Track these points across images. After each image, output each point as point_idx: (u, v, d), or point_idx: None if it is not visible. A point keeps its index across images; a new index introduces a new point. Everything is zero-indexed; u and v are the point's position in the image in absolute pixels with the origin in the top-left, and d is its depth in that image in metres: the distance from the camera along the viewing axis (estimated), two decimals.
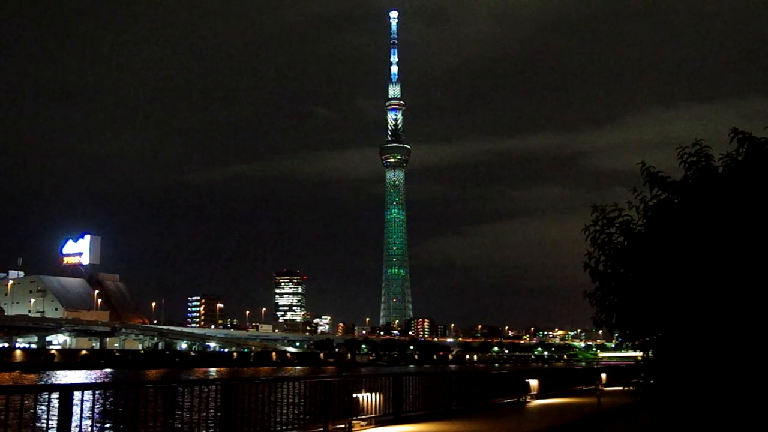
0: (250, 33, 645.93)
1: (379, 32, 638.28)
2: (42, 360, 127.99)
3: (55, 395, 11.60)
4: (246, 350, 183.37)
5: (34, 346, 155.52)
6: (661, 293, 9.45)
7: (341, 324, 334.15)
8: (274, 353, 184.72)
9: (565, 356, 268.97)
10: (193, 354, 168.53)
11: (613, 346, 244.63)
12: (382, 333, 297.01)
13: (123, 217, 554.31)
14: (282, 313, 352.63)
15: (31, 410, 11.44)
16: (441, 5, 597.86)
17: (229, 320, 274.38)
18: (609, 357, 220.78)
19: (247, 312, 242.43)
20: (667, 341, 9.79)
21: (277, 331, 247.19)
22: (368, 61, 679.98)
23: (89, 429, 11.96)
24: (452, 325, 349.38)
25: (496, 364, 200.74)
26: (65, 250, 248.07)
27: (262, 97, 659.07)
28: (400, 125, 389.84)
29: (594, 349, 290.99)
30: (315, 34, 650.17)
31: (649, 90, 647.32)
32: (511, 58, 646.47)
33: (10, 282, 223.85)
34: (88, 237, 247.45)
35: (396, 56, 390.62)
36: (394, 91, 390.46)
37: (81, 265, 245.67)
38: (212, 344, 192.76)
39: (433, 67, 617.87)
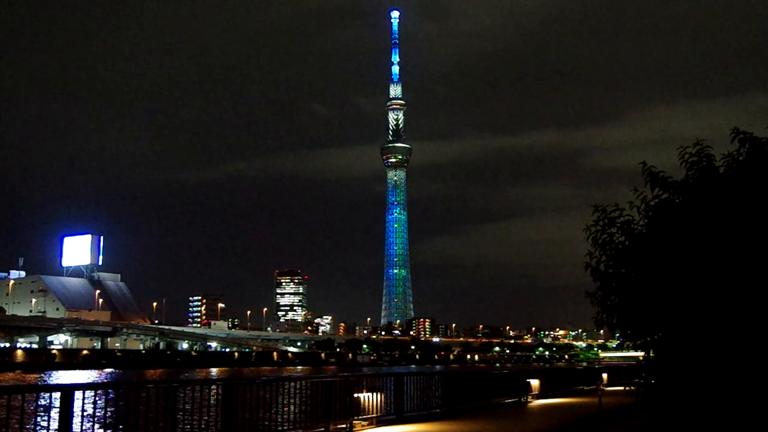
0: (248, 29, 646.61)
1: (377, 28, 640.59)
2: (43, 360, 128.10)
3: (56, 395, 11.59)
4: (247, 350, 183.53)
5: (35, 346, 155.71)
6: (663, 293, 9.45)
7: (342, 324, 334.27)
8: (275, 353, 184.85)
9: (566, 356, 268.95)
10: (194, 354, 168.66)
11: (614, 346, 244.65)
12: (383, 333, 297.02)
13: (123, 217, 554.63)
14: (283, 312, 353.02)
15: (33, 410, 11.45)
16: (441, 1, 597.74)
17: (230, 320, 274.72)
18: (610, 357, 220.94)
19: (249, 312, 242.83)
20: (669, 341, 9.79)
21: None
22: (367, 57, 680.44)
23: (90, 429, 11.97)
24: (453, 324, 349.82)
25: (497, 364, 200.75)
26: (66, 250, 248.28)
27: (260, 95, 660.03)
28: (401, 125, 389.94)
29: (595, 349, 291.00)
30: (312, 29, 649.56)
31: (651, 87, 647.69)
32: (511, 55, 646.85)
33: (12, 282, 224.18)
34: (88, 237, 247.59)
35: (397, 56, 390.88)
36: (395, 91, 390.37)
37: (82, 265, 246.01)
38: (213, 344, 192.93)
39: (434, 63, 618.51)
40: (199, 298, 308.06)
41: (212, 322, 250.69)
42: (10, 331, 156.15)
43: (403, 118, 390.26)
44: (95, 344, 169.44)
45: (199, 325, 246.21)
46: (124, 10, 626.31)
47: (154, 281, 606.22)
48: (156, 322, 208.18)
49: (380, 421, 18.75)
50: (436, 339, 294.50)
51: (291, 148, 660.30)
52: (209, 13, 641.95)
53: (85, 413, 11.77)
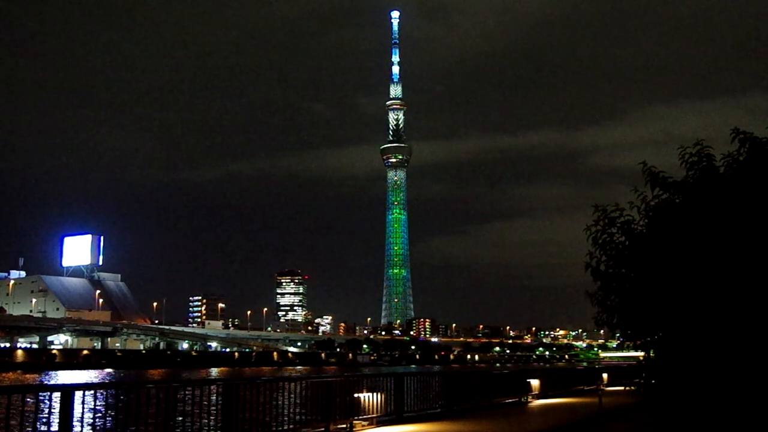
0: (248, 29, 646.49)
1: (377, 28, 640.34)
2: (43, 360, 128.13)
3: (56, 395, 11.59)
4: (247, 350, 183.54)
5: (35, 346, 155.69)
6: (663, 293, 9.45)
7: (343, 324, 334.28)
8: (275, 353, 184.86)
9: (566, 356, 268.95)
10: (194, 354, 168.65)
11: (614, 346, 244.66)
12: (383, 333, 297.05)
13: (123, 217, 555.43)
14: (283, 313, 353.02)
15: (33, 410, 11.45)
16: (441, 0, 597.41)
17: (230, 320, 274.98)
18: (610, 357, 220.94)
19: (249, 312, 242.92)
20: (669, 341, 9.79)
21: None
22: (367, 57, 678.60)
23: (90, 429, 11.96)
24: (453, 324, 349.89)
25: (498, 364, 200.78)
26: (66, 250, 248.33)
27: (260, 95, 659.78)
28: (401, 125, 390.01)
29: (595, 349, 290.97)
30: (312, 29, 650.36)
31: (651, 87, 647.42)
32: (512, 54, 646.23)
33: (12, 282, 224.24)
34: (88, 237, 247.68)
35: (397, 56, 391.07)
36: (395, 91, 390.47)
37: (82, 265, 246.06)
38: (213, 344, 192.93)
39: (434, 63, 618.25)
40: (199, 298, 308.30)
41: (206, 322, 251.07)
42: (10, 331, 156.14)
43: (403, 118, 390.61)
44: (95, 344, 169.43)
45: (196, 326, 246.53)
46: (124, 10, 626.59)
47: (154, 281, 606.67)
48: (156, 322, 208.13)
49: (380, 421, 18.74)
50: (434, 339, 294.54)
51: (291, 148, 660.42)
52: (209, 13, 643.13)
53: (85, 413, 11.77)
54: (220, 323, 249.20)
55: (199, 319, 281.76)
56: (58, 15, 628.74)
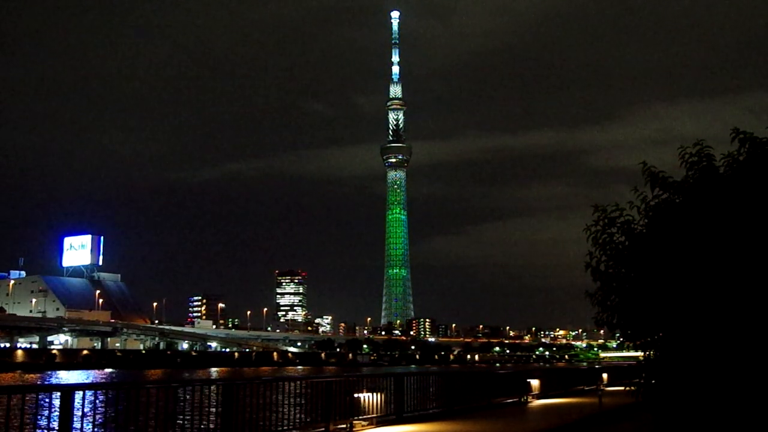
0: (248, 29, 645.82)
1: (376, 27, 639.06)
2: (43, 360, 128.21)
3: (56, 395, 11.59)
4: (247, 350, 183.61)
5: (35, 346, 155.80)
6: (663, 293, 9.45)
7: (342, 324, 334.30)
8: (275, 353, 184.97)
9: (566, 356, 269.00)
10: (194, 354, 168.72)
11: (614, 346, 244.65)
12: (383, 333, 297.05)
13: (123, 217, 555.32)
14: (283, 313, 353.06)
15: (33, 410, 11.45)
16: (442, 0, 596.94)
17: (230, 320, 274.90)
18: (610, 357, 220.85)
19: (249, 312, 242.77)
20: (669, 341, 9.79)
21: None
22: (367, 57, 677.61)
23: (90, 429, 11.96)
24: (453, 325, 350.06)
25: (498, 364, 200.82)
26: (66, 250, 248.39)
27: (260, 95, 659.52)
28: (401, 125, 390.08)
29: (595, 349, 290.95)
30: (313, 29, 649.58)
31: (651, 86, 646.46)
32: (511, 53, 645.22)
33: (12, 282, 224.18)
34: (88, 237, 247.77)
35: (397, 56, 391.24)
36: (395, 91, 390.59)
37: (82, 265, 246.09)
38: (213, 344, 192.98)
39: (434, 62, 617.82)
40: (199, 298, 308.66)
41: (196, 321, 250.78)
42: (10, 331, 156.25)
43: (403, 118, 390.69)
44: (95, 344, 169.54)
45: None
46: (123, 10, 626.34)
47: (154, 281, 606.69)
48: (156, 322, 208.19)
49: (380, 421, 18.74)
50: (432, 339, 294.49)
51: (291, 148, 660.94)
52: (209, 13, 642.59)
53: (85, 413, 11.77)
54: (210, 323, 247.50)
55: (199, 319, 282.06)
56: (57, 16, 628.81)
